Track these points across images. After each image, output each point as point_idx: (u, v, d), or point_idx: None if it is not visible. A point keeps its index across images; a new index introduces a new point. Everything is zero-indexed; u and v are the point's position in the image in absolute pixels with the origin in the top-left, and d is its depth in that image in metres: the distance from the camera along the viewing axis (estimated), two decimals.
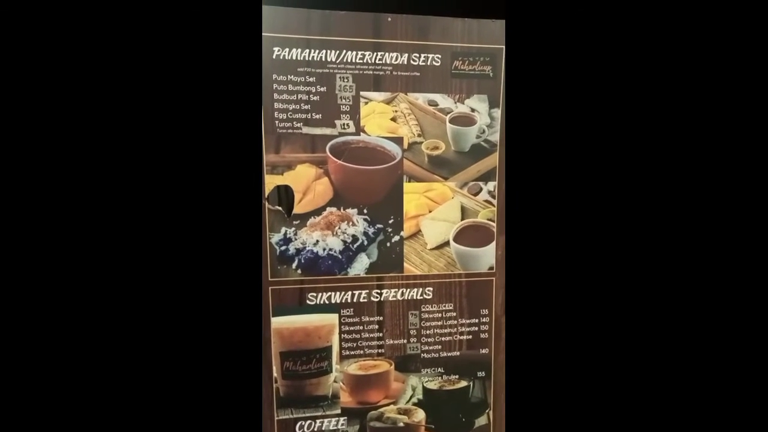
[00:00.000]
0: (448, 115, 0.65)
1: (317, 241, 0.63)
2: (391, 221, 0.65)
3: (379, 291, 0.65)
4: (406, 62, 0.62)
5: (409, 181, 0.64)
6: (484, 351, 0.69)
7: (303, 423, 0.65)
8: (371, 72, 0.62)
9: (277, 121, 0.60)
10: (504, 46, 0.63)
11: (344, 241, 0.63)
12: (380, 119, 0.63)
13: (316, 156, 0.62)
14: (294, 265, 0.63)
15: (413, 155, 0.64)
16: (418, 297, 0.66)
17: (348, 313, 0.65)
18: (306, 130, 0.61)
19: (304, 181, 0.62)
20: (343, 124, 0.62)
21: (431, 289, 0.67)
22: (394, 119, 0.63)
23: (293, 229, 0.62)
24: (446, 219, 0.66)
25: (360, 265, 0.64)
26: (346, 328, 0.65)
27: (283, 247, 0.62)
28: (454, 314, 0.68)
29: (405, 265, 0.65)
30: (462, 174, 0.66)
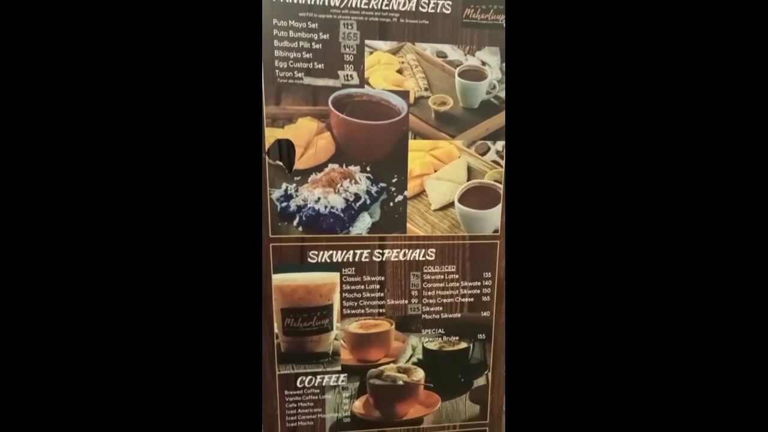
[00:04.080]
0: (458, 69, 0.61)
1: (319, 198, 0.61)
2: (394, 180, 0.63)
3: (381, 251, 0.64)
4: (414, 9, 0.58)
5: (415, 138, 0.62)
6: (485, 314, 0.68)
7: (304, 378, 0.66)
8: (377, 19, 0.58)
9: (277, 71, 0.57)
10: None
11: (346, 200, 0.61)
12: (385, 71, 0.60)
13: (317, 109, 0.59)
14: (295, 223, 0.61)
15: (419, 111, 0.62)
16: (421, 258, 0.65)
17: (349, 272, 0.64)
18: (307, 80, 0.58)
19: (306, 136, 0.60)
20: (347, 75, 0.59)
21: (434, 250, 0.65)
22: (400, 71, 0.60)
23: (294, 185, 0.61)
24: (452, 179, 0.64)
25: (362, 225, 0.63)
26: (348, 287, 0.64)
27: (284, 204, 0.61)
28: (457, 276, 0.67)
29: (408, 225, 0.64)
30: (470, 132, 0.63)
